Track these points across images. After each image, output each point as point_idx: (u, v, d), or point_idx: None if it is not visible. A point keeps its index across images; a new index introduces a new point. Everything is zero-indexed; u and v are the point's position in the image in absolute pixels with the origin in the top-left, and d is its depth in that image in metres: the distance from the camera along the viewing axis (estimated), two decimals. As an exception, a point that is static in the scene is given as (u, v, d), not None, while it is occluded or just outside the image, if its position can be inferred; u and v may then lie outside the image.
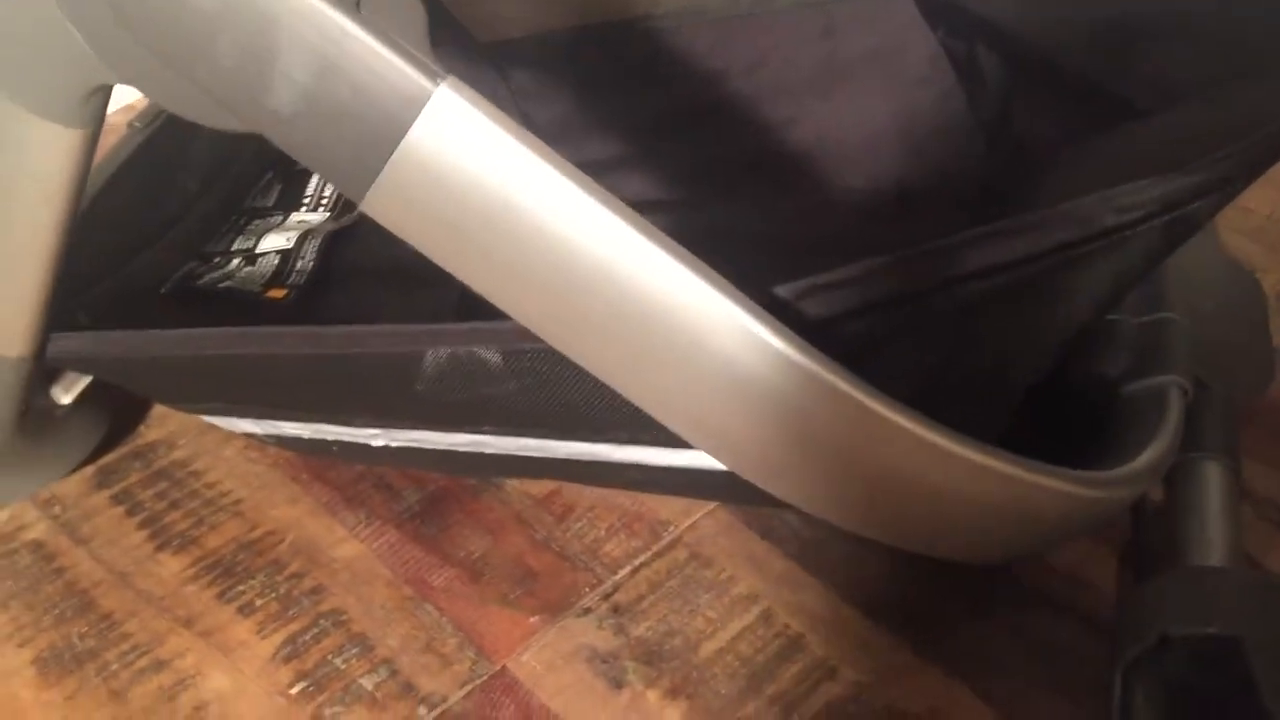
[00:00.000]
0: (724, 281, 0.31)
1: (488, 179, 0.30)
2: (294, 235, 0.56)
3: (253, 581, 0.46)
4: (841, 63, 0.55)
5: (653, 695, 0.41)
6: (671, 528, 0.47)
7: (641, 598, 0.45)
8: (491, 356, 0.37)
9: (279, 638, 0.44)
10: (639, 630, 0.43)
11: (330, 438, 0.45)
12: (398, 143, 0.30)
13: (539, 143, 0.30)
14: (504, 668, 0.43)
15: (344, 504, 0.49)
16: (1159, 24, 0.47)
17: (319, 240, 0.55)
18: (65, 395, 0.48)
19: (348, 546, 0.47)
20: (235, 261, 0.54)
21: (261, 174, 0.59)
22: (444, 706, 0.41)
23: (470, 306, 0.34)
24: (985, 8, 0.54)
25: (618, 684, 0.42)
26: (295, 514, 0.48)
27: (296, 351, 0.39)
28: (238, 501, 0.49)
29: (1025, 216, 0.33)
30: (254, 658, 0.43)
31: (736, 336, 0.31)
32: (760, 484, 0.35)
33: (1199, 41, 0.46)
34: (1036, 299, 0.36)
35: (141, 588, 0.46)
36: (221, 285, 0.52)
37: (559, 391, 0.37)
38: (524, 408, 0.38)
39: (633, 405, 0.35)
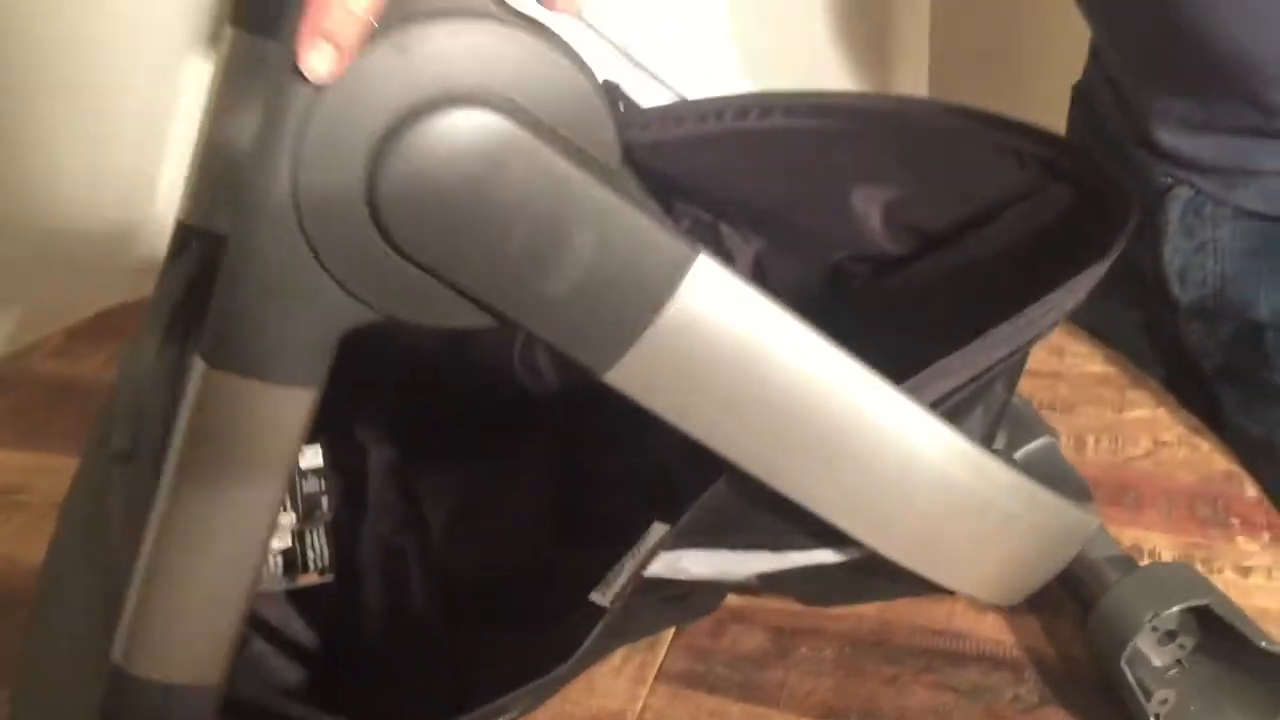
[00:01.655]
0: (932, 414, 0.39)
1: (745, 339, 0.36)
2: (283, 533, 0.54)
3: None
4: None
5: None
6: (628, 714, 0.51)
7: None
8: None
9: None
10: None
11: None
12: (660, 310, 0.35)
13: (783, 304, 0.36)
14: None
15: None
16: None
17: (320, 529, 0.53)
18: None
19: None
20: None
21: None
22: None
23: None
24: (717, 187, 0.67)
25: None
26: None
27: None
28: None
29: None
30: None
31: (931, 442, 0.39)
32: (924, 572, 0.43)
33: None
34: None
35: None
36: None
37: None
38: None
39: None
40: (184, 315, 0.53)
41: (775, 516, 0.41)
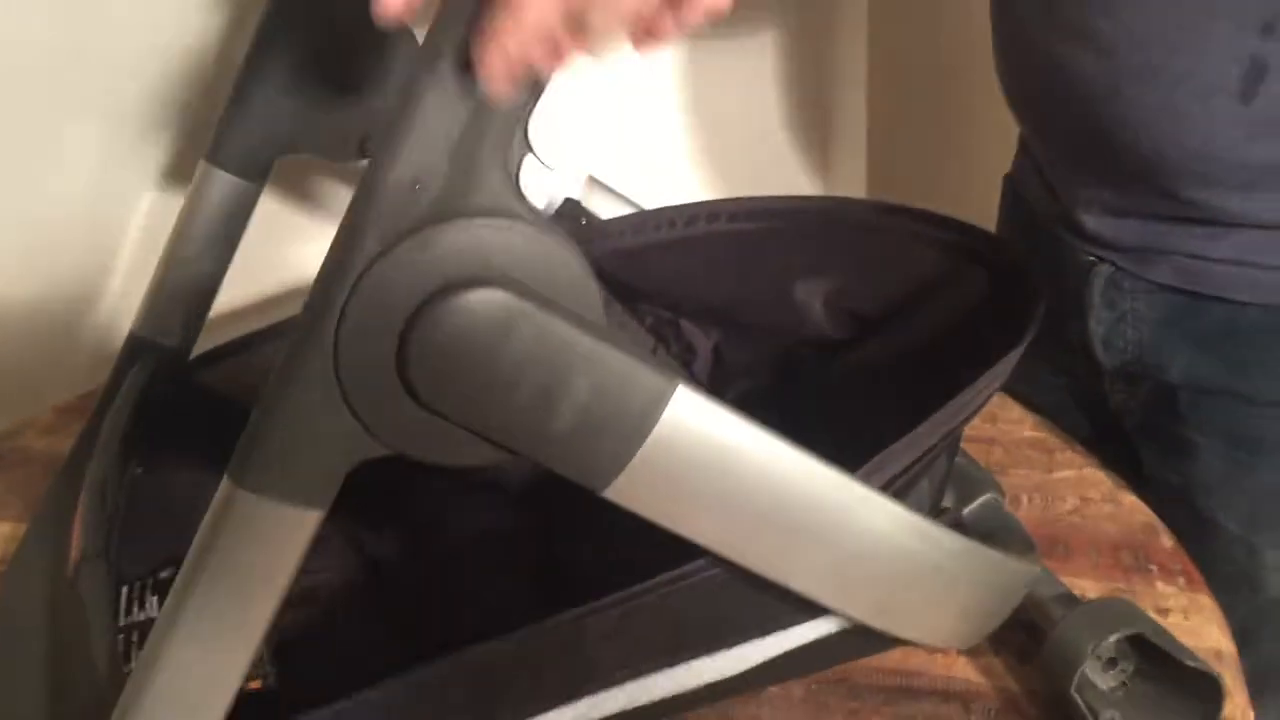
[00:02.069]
0: (883, 496, 0.46)
1: (720, 451, 0.43)
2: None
3: None
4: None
5: None
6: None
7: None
8: (649, 599, 0.47)
9: None
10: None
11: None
12: (646, 435, 0.42)
13: (748, 417, 0.43)
14: None
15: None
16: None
17: None
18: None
19: None
20: None
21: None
22: None
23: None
24: (674, 288, 0.74)
25: None
26: None
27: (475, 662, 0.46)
28: None
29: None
30: None
31: (885, 520, 0.46)
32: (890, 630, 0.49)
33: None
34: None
35: None
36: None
37: (697, 616, 0.48)
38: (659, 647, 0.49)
39: (769, 599, 0.47)
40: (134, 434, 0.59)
41: (762, 599, 0.48)
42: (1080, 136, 0.67)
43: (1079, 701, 0.53)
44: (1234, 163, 0.61)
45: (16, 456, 0.82)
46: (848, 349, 0.71)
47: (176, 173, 0.91)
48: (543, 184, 0.39)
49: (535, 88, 0.38)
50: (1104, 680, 0.54)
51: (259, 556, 0.41)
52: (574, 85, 0.39)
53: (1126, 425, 0.74)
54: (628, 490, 0.42)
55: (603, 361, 0.40)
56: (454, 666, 0.47)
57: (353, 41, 0.66)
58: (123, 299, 0.92)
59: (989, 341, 0.55)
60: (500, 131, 0.37)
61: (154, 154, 0.89)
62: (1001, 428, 0.78)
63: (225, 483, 0.40)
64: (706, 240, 0.73)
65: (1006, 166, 0.84)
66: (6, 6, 0.77)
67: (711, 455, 0.43)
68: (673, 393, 0.41)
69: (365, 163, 0.66)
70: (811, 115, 1.16)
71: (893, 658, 0.60)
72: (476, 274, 0.38)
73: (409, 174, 0.37)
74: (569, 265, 0.39)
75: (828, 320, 0.70)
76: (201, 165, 0.66)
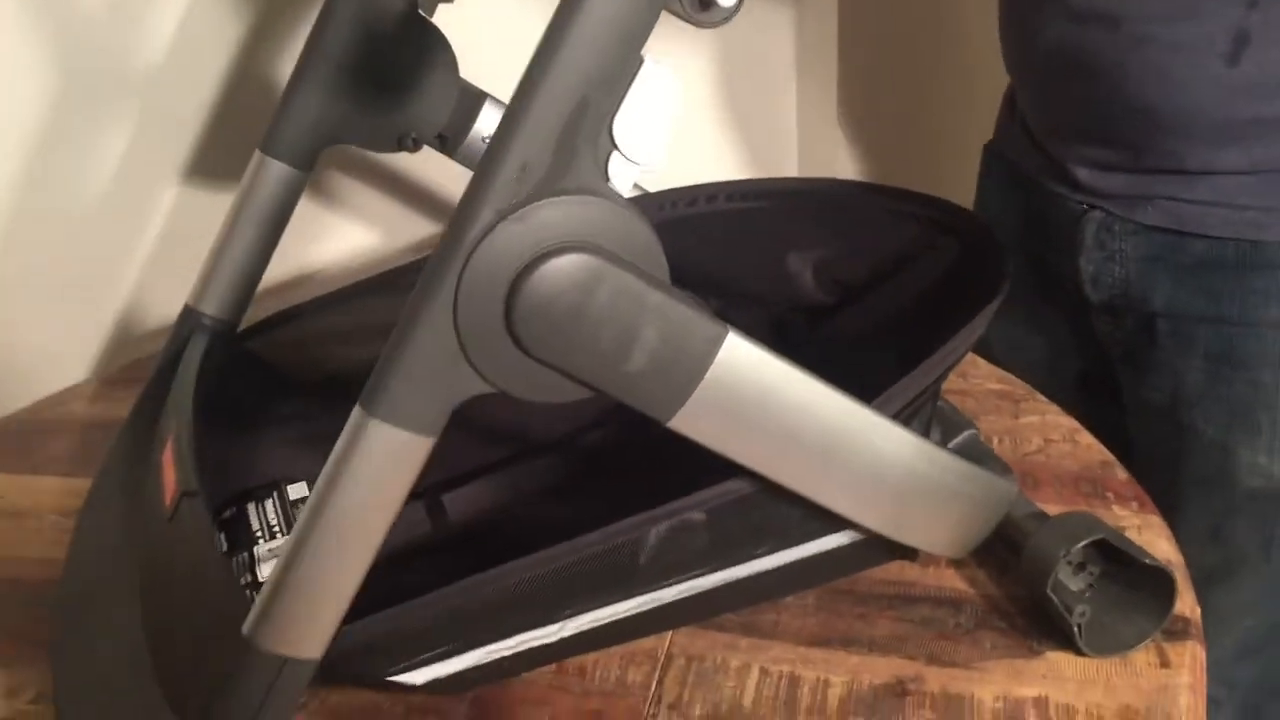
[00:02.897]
0: (896, 423, 0.55)
1: (764, 385, 0.51)
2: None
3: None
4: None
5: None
6: (659, 650, 0.65)
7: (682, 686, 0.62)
8: (697, 516, 0.56)
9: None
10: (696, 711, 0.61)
11: (508, 653, 0.59)
12: (704, 374, 0.50)
13: (789, 360, 0.52)
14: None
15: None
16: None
17: None
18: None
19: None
20: None
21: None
22: None
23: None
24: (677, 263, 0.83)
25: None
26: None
27: (562, 561, 0.55)
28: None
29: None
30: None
31: (897, 444, 0.55)
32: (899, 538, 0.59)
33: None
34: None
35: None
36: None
37: (739, 526, 0.57)
38: (706, 549, 0.57)
39: (794, 513, 0.56)
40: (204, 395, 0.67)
41: (793, 511, 0.57)
42: (1081, 102, 0.78)
43: (1055, 600, 0.62)
44: (1217, 119, 0.72)
45: (63, 422, 0.89)
46: (836, 313, 0.80)
47: (198, 167, 0.98)
48: (622, 171, 0.48)
49: (619, 92, 0.46)
50: (1074, 582, 0.64)
51: (381, 475, 0.48)
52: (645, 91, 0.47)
53: (1113, 355, 0.85)
54: (688, 420, 0.51)
55: (669, 312, 0.49)
56: (528, 568, 0.55)
57: (393, 49, 0.74)
58: (148, 280, 0.99)
59: (962, 300, 0.65)
60: (592, 127, 0.45)
61: (177, 149, 0.96)
62: (972, 382, 0.87)
63: (357, 411, 0.47)
64: (706, 218, 0.81)
65: (973, 141, 0.93)
66: (47, 5, 0.83)
67: (757, 390, 0.51)
68: (725, 338, 0.50)
69: (402, 154, 0.75)
70: (782, 100, 1.24)
71: (890, 571, 0.69)
72: (568, 242, 0.46)
73: (519, 160, 0.45)
74: (642, 234, 0.48)
75: (817, 288, 0.79)
76: (256, 155, 0.74)
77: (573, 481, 0.79)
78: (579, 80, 0.44)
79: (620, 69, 0.45)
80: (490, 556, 0.56)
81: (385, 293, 0.80)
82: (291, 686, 0.50)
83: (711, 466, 0.55)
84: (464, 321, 0.46)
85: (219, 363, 0.76)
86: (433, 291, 0.46)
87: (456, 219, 0.46)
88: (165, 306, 1.00)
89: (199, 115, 0.96)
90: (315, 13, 0.73)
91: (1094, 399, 0.89)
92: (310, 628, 0.49)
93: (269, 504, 0.71)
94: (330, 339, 0.80)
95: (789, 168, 1.28)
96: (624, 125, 0.46)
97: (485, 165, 0.45)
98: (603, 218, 0.47)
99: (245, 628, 0.49)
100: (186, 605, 0.57)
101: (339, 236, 1.05)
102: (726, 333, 0.50)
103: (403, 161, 1.07)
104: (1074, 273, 0.84)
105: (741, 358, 0.51)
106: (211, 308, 0.74)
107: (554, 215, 0.46)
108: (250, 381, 0.76)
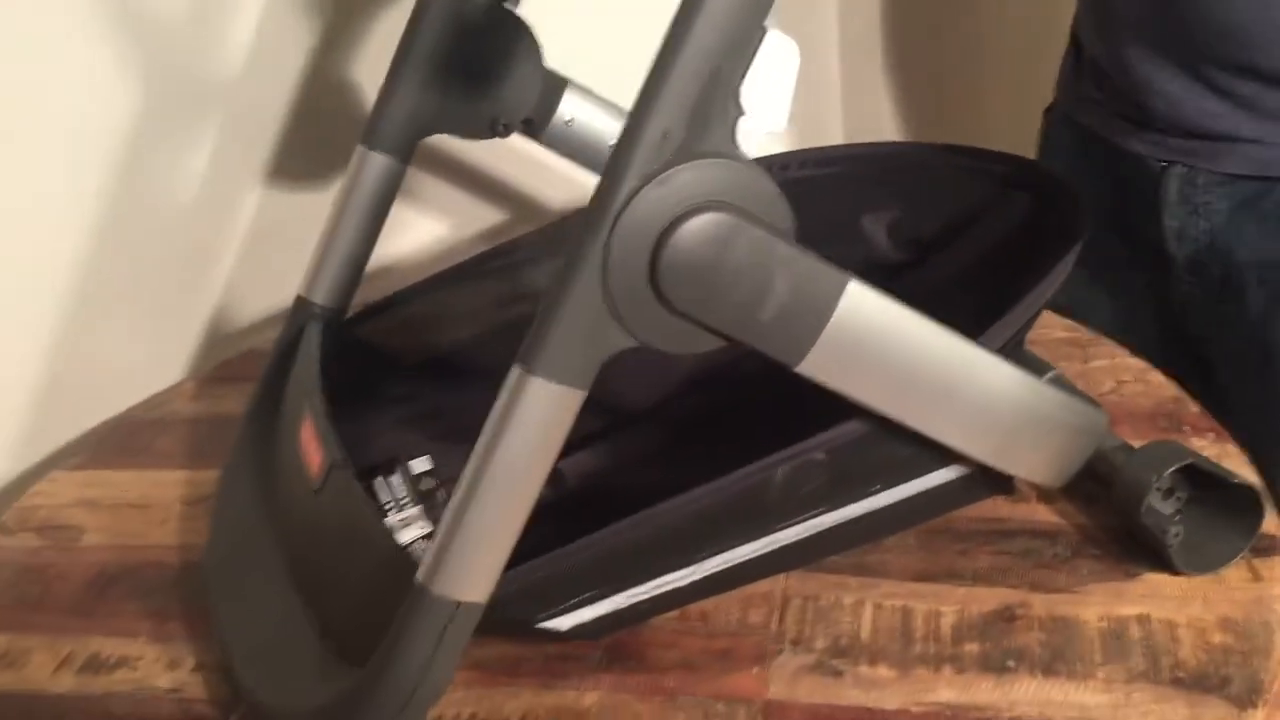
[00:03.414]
0: (1003, 360, 0.59)
1: (883, 327, 0.55)
2: (424, 525, 0.71)
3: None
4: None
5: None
6: (775, 590, 0.69)
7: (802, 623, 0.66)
8: (819, 456, 0.60)
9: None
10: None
11: (645, 597, 0.63)
12: (829, 319, 0.54)
13: (903, 303, 0.56)
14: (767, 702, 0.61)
15: (555, 676, 0.64)
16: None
17: None
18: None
19: (589, 697, 0.62)
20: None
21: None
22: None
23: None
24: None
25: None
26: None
27: (704, 502, 0.59)
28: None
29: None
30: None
31: (1004, 378, 0.59)
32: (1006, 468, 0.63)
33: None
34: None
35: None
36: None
37: (857, 464, 0.61)
38: (827, 488, 0.61)
39: (908, 450, 0.60)
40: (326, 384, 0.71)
41: (905, 449, 0.61)
42: (1157, 15, 0.80)
43: (1149, 523, 0.66)
44: None
45: (172, 418, 0.93)
46: (910, 270, 0.84)
47: (279, 167, 1.02)
48: (749, 134, 0.52)
49: (746, 61, 0.50)
50: (1165, 507, 0.67)
51: (541, 426, 0.52)
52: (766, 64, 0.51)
53: (1194, 317, 0.88)
54: (815, 363, 0.55)
55: (796, 263, 0.53)
56: (675, 509, 0.59)
57: (481, 41, 0.78)
58: (235, 280, 1.03)
59: (1039, 250, 0.69)
60: (723, 94, 0.49)
61: (259, 151, 1.00)
62: (1039, 332, 0.90)
63: (515, 369, 0.51)
64: (786, 185, 0.85)
65: (1024, 104, 0.97)
66: (132, 19, 0.88)
67: (877, 331, 0.55)
68: (848, 285, 0.54)
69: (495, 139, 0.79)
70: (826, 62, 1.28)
71: (984, 509, 0.73)
72: (705, 202, 0.50)
73: (660, 128, 0.49)
74: (769, 192, 0.52)
75: (892, 247, 0.83)
76: (359, 149, 0.78)
77: (664, 448, 0.83)
78: (712, 52, 0.48)
79: (747, 40, 0.49)
80: (605, 517, 0.60)
81: (472, 279, 0.85)
82: (462, 629, 0.54)
83: (792, 431, 0.60)
84: (612, 281, 0.50)
85: (331, 349, 0.80)
86: (583, 255, 0.50)
87: (602, 186, 0.50)
88: (252, 305, 1.04)
89: (279, 118, 1.00)
90: (388, 14, 0.77)
91: (1167, 363, 0.92)
92: (480, 572, 0.53)
93: (394, 478, 0.75)
94: (426, 324, 0.85)
95: (834, 131, 1.32)
96: (750, 91, 0.50)
97: (627, 135, 0.49)
98: (735, 178, 0.51)
99: (419, 575, 0.53)
100: (348, 564, 0.61)
101: (413, 229, 1.09)
102: (849, 280, 0.54)
103: (467, 155, 1.11)
104: (1156, 232, 0.86)
105: (863, 302, 0.55)
106: (321, 297, 0.78)
107: (692, 178, 0.50)
108: (360, 365, 0.80)
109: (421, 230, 1.11)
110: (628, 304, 0.51)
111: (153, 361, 1.01)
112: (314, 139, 1.01)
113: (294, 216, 1.02)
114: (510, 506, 0.53)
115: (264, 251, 1.02)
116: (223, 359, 1.02)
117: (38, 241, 0.90)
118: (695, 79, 0.48)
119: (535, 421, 0.52)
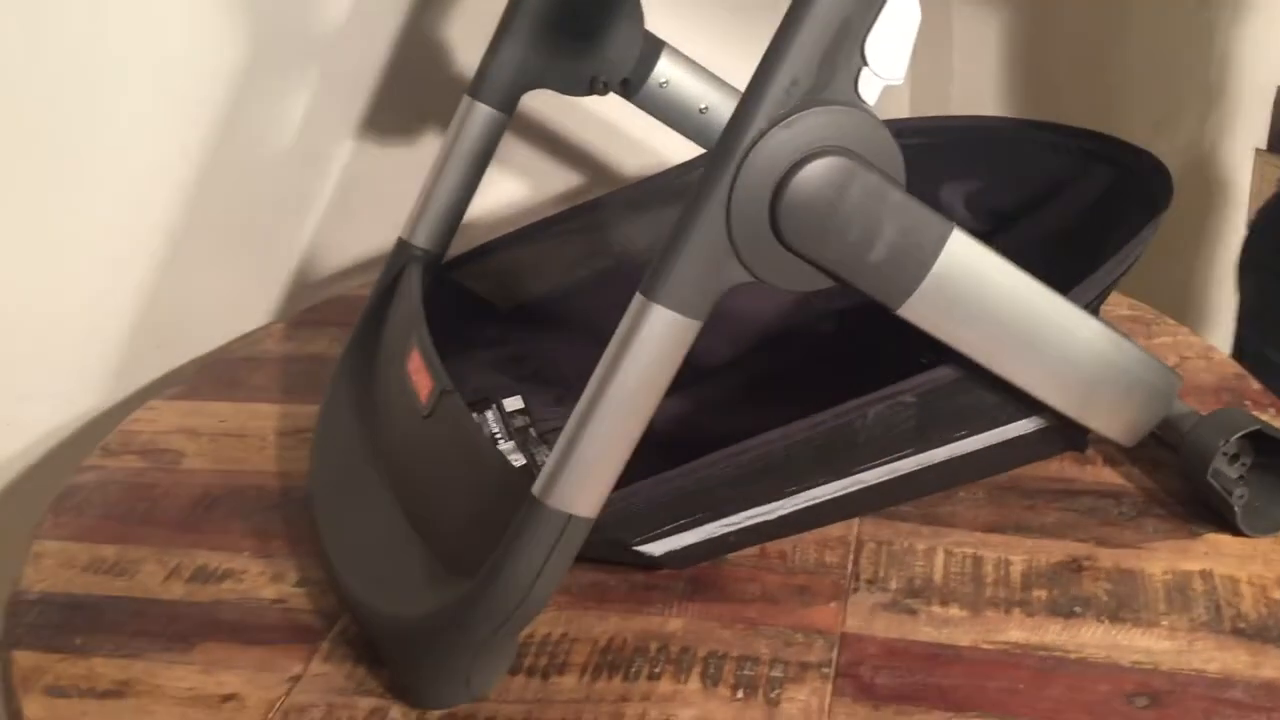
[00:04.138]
0: (1090, 315, 0.62)
1: (983, 276, 0.59)
2: (519, 459, 0.75)
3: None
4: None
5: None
6: (849, 536, 0.72)
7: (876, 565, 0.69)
8: (909, 399, 0.63)
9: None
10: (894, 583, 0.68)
11: (733, 529, 0.66)
12: (932, 265, 0.58)
13: (1001, 255, 0.59)
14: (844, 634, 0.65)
15: (641, 603, 0.67)
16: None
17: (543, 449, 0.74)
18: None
19: (673, 623, 0.66)
20: None
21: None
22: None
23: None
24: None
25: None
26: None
27: (798, 436, 0.62)
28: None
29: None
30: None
31: (1091, 332, 0.63)
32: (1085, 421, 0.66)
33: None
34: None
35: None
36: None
37: (945, 409, 0.64)
38: (914, 431, 0.65)
39: (993, 398, 0.63)
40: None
41: (992, 396, 0.64)
42: None
43: (1215, 485, 0.69)
44: None
45: (264, 356, 0.97)
46: (990, 240, 0.86)
47: (369, 122, 1.06)
48: (870, 85, 0.55)
49: (873, 14, 0.53)
50: (1231, 471, 0.70)
51: (658, 352, 0.55)
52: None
53: None
54: (916, 307, 0.58)
55: (906, 209, 0.56)
56: (770, 441, 0.63)
57: (588, 1, 0.82)
58: (323, 229, 1.07)
59: (1121, 220, 0.71)
60: (849, 46, 0.53)
61: (350, 106, 1.04)
62: (1104, 310, 0.94)
63: (638, 298, 0.54)
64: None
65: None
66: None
67: (976, 280, 0.59)
68: (951, 233, 0.57)
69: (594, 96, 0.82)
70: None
71: (1051, 469, 0.76)
72: (826, 146, 0.54)
73: (790, 75, 0.52)
74: (884, 139, 0.55)
75: (970, 217, 0.86)
76: (465, 100, 0.81)
77: (743, 398, 0.86)
78: (844, 2, 0.51)
79: (876, -6, 0.52)
80: (693, 457, 0.63)
81: (557, 234, 0.88)
82: (572, 543, 0.57)
83: (858, 387, 0.63)
84: (735, 216, 0.53)
85: (429, 290, 0.84)
86: (709, 191, 0.53)
87: (731, 127, 0.53)
88: (338, 255, 1.08)
89: (371, 75, 1.03)
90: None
91: None
92: (591, 488, 0.57)
93: (489, 414, 0.79)
94: (515, 274, 0.88)
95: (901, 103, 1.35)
96: (874, 44, 0.53)
97: (757, 81, 0.53)
98: (855, 126, 0.54)
99: (535, 488, 0.56)
100: (459, 483, 0.65)
101: (495, 186, 1.13)
102: (952, 229, 0.57)
103: (546, 118, 1.15)
104: None
105: (964, 251, 0.58)
106: (422, 240, 0.82)
107: (816, 123, 0.53)
108: (454, 308, 0.84)
109: (502, 189, 1.15)
110: (748, 239, 0.54)
111: (242, 303, 1.05)
112: (401, 97, 1.05)
113: (381, 171, 1.06)
114: (624, 427, 0.56)
115: (351, 203, 1.06)
116: (308, 304, 1.06)
117: (140, 179, 0.94)
118: (826, 28, 0.51)
119: (653, 347, 0.55)
